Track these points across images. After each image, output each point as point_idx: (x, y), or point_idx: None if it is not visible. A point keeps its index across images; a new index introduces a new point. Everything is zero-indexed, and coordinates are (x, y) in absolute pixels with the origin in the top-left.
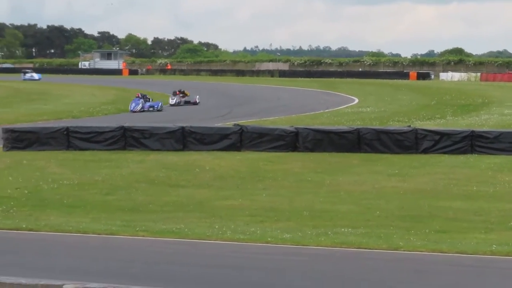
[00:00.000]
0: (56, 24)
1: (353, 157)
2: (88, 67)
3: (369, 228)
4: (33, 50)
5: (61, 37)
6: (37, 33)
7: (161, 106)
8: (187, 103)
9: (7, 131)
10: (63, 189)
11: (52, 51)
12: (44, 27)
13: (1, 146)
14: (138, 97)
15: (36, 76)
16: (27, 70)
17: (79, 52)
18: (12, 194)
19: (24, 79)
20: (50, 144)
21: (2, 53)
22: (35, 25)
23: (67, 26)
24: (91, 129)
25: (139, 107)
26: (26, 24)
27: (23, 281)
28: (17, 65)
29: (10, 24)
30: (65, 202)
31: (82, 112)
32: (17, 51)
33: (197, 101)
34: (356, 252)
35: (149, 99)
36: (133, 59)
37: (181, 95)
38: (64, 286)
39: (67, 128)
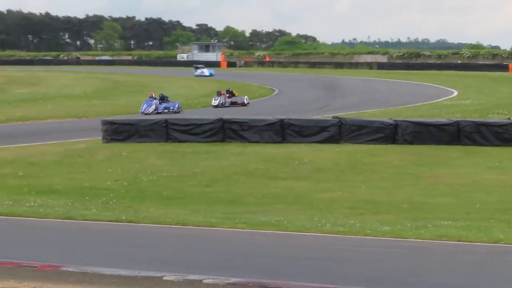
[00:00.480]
0: (155, 16)
1: (452, 149)
2: (186, 59)
3: (469, 221)
4: (132, 42)
5: (159, 29)
6: (136, 25)
7: (178, 108)
8: (234, 104)
9: (106, 123)
10: (162, 181)
11: (151, 43)
12: (143, 19)
13: (101, 138)
14: (151, 97)
15: (206, 72)
16: (198, 65)
17: (177, 44)
18: (112, 186)
19: (196, 76)
20: (149, 136)
21: (101, 46)
22: (134, 17)
23: (165, 18)
24: (190, 121)
25: (151, 109)
26: (124, 16)
27: (123, 272)
28: (115, 58)
29: (109, 17)
30: (164, 194)
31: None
32: (115, 44)
33: (246, 102)
34: (456, 245)
35: (168, 100)
36: (231, 51)
37: (227, 95)
38: (164, 278)
39: (166, 120)
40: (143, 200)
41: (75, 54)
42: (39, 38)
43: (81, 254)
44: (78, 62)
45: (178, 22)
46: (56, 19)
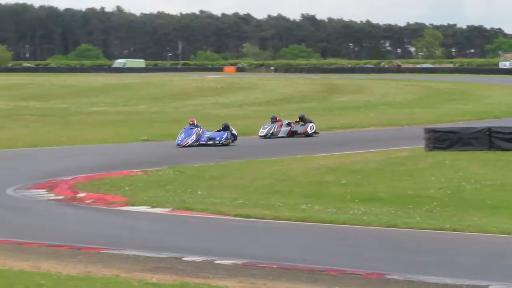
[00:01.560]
0: (476, 24)
1: None
2: (509, 67)
3: None
4: (452, 50)
5: (480, 37)
6: (457, 33)
7: (227, 139)
8: (294, 134)
9: (429, 131)
10: (485, 189)
11: (472, 51)
12: (464, 27)
13: (423, 146)
14: (192, 124)
15: None
16: None
17: (499, 52)
18: (435, 194)
19: None
20: (472, 145)
21: (422, 53)
22: (455, 25)
23: (487, 26)
24: None
25: (190, 140)
26: (445, 24)
27: (448, 281)
28: (436, 65)
29: (430, 24)
30: (488, 202)
31: (503, 113)
32: (436, 51)
33: (310, 131)
34: None
35: (231, 131)
36: None
37: (286, 122)
38: (489, 287)
39: (489, 129)
40: (467, 208)
41: (396, 62)
42: (359, 46)
43: (404, 262)
44: (398, 70)
45: (499, 29)
46: (376, 27)
